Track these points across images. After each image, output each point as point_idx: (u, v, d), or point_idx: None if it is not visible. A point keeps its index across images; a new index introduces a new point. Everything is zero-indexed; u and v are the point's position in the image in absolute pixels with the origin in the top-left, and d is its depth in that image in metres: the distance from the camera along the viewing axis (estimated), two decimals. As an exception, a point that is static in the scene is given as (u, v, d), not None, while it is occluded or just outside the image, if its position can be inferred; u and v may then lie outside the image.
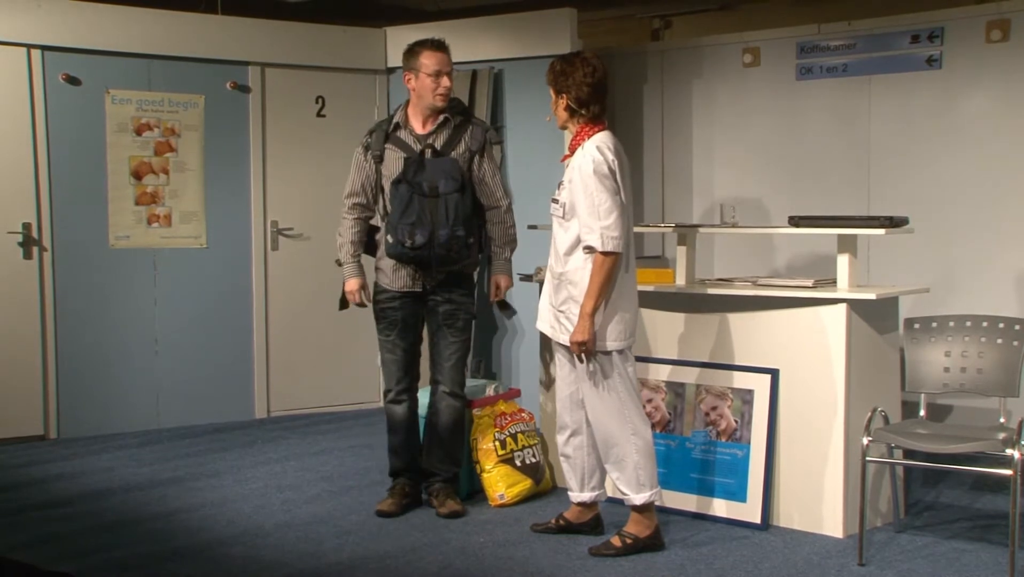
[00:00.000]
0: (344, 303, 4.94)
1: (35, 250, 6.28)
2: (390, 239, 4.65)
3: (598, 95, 4.25)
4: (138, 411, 6.57)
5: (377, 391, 7.21)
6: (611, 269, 4.12)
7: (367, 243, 4.92)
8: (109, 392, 6.49)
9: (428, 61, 4.68)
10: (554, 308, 4.32)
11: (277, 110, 6.96)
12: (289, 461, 5.82)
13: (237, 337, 6.87)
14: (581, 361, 4.21)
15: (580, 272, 4.18)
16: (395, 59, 7.04)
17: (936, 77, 5.89)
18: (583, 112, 4.24)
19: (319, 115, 7.09)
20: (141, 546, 4.43)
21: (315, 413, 7.02)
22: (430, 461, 4.91)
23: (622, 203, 4.15)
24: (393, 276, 4.80)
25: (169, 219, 6.66)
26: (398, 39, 7.09)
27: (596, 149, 4.16)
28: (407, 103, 4.80)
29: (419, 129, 4.76)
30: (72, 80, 6.36)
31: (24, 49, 6.21)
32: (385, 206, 4.77)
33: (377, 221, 4.88)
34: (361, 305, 4.89)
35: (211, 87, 6.75)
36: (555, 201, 4.29)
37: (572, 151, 4.26)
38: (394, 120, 4.79)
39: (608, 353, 4.21)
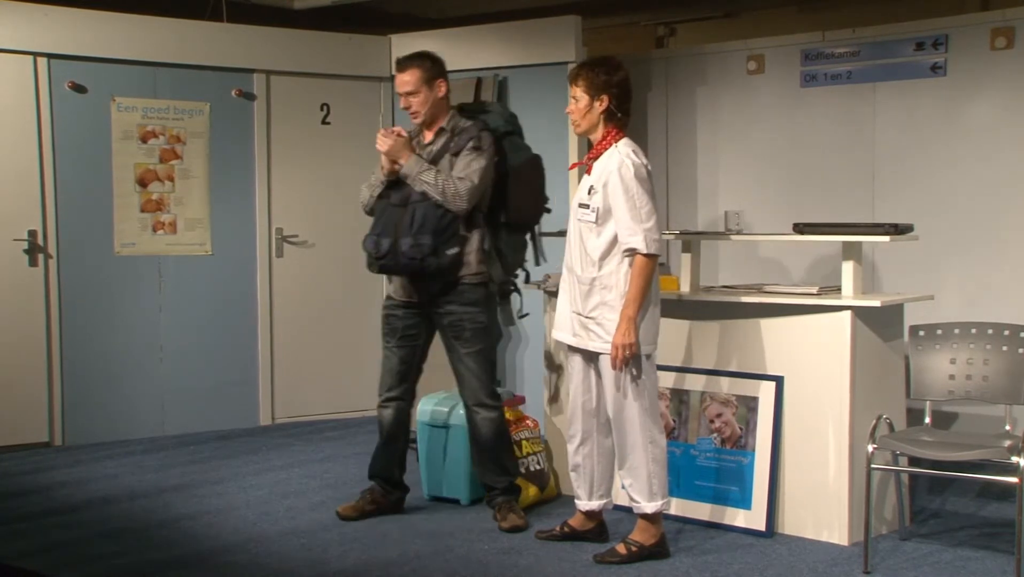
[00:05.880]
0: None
1: (40, 257, 6.29)
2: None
3: (631, 98, 4.28)
4: (143, 418, 6.57)
5: (382, 398, 7.23)
6: (652, 271, 4.13)
7: None
8: (114, 399, 6.49)
9: (396, 81, 4.75)
10: (580, 315, 4.26)
11: (282, 117, 6.97)
12: (293, 468, 5.81)
13: (242, 344, 6.88)
14: (616, 368, 4.14)
15: (615, 276, 4.16)
16: (400, 67, 7.07)
17: (940, 84, 5.89)
18: (619, 115, 4.24)
19: (324, 122, 7.10)
20: (146, 553, 4.43)
21: (320, 420, 7.02)
22: (484, 476, 4.85)
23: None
24: (395, 285, 4.83)
25: (174, 226, 6.67)
26: (403, 47, 7.07)
27: (633, 153, 4.17)
28: None
29: (425, 139, 4.79)
30: (78, 88, 6.38)
31: (30, 57, 6.23)
32: None
33: None
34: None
35: (216, 95, 6.76)
36: (584, 206, 4.24)
37: (597, 155, 4.24)
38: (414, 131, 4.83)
39: (639, 357, 4.18)
